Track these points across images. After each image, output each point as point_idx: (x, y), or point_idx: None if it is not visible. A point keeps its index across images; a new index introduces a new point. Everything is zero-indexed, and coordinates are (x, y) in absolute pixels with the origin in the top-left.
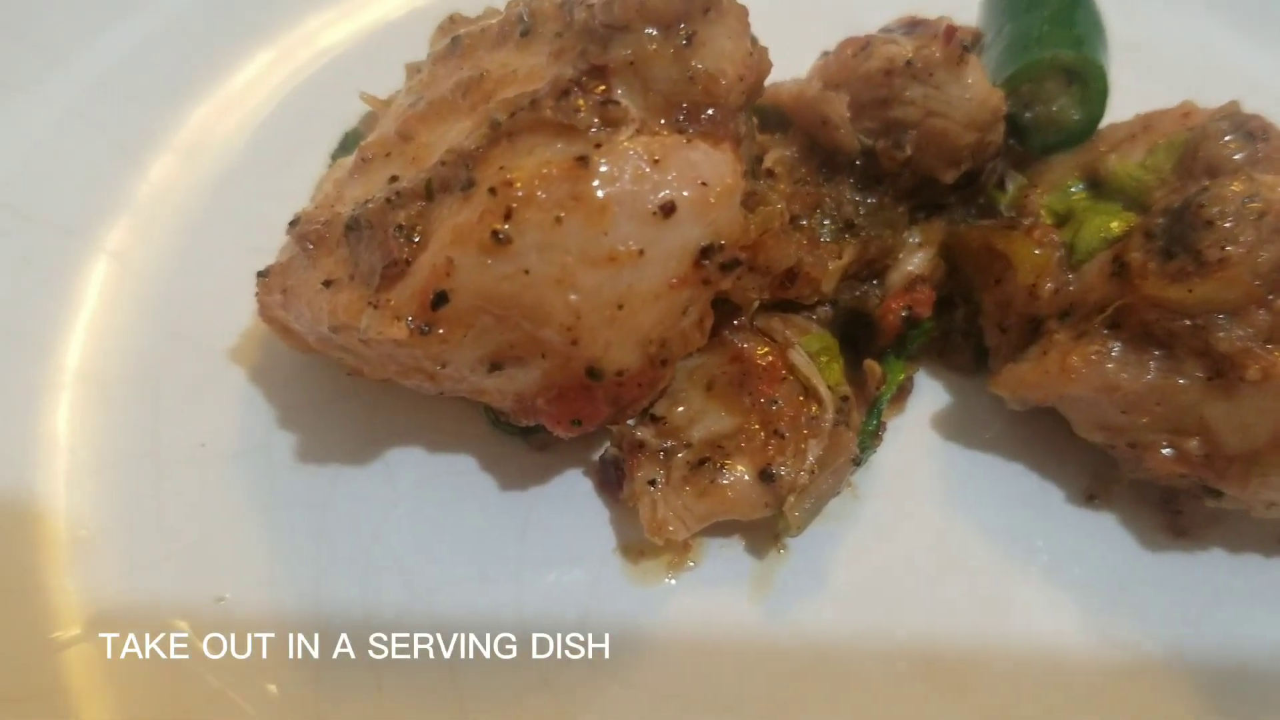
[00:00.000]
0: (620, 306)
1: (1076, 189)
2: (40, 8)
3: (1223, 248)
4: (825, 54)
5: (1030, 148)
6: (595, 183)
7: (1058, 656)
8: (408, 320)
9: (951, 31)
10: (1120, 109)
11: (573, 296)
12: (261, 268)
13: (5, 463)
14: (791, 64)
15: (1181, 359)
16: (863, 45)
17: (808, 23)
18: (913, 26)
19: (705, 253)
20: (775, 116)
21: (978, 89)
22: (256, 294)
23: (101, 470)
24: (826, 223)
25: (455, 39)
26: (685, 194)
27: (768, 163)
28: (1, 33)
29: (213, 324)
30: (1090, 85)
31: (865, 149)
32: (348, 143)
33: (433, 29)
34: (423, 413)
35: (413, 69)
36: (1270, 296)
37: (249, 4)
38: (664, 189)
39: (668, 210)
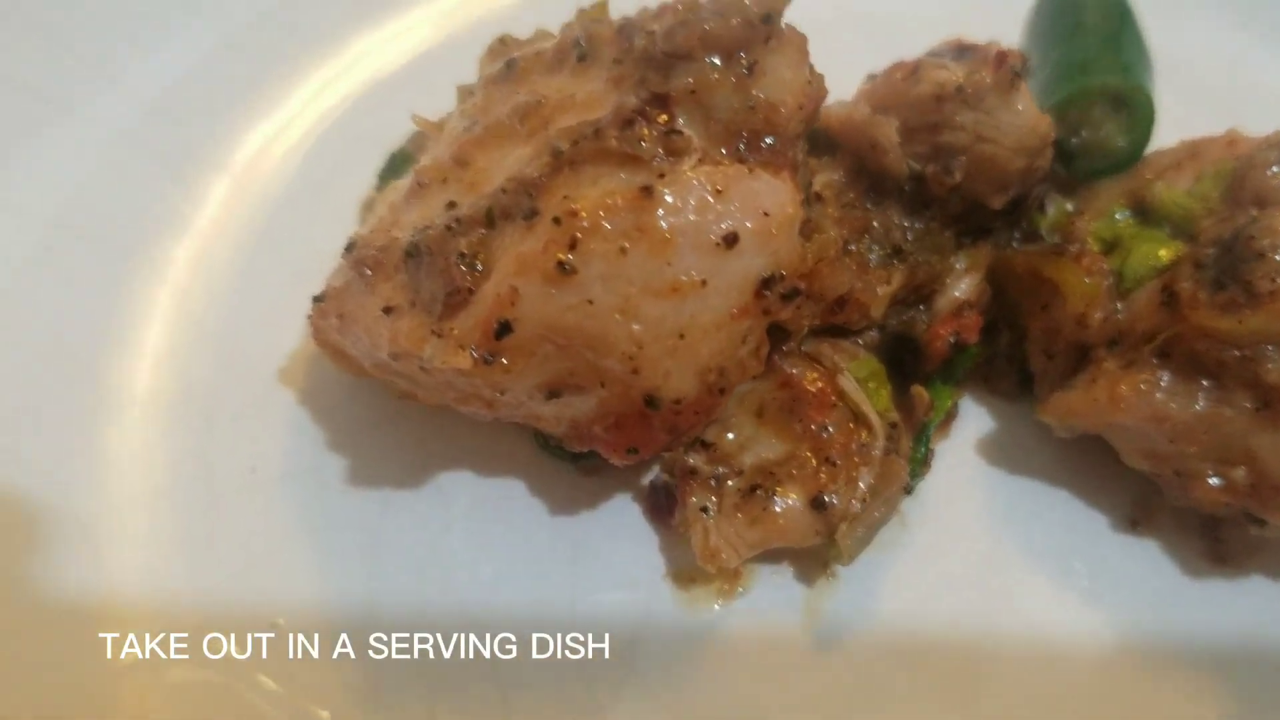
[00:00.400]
0: (682, 336)
1: (1123, 215)
2: (92, 30)
3: (1274, 279)
4: (871, 77)
5: (1075, 173)
6: (660, 213)
7: (1102, 682)
8: (471, 350)
9: (1003, 57)
10: (1163, 133)
11: (635, 327)
12: (306, 289)
13: (59, 487)
14: (831, 86)
15: (1230, 389)
16: (912, 70)
17: (848, 44)
18: (961, 51)
19: (766, 283)
20: (822, 139)
21: (1028, 115)
22: (310, 317)
23: (155, 495)
24: (875, 248)
25: (510, 62)
26: (748, 224)
27: (815, 186)
28: (55, 54)
29: (261, 347)
30: (1137, 112)
31: (914, 174)
32: (394, 164)
33: (481, 50)
34: (474, 436)
35: (465, 91)
36: None
37: (298, 27)
38: (727, 219)
39: (730, 241)
